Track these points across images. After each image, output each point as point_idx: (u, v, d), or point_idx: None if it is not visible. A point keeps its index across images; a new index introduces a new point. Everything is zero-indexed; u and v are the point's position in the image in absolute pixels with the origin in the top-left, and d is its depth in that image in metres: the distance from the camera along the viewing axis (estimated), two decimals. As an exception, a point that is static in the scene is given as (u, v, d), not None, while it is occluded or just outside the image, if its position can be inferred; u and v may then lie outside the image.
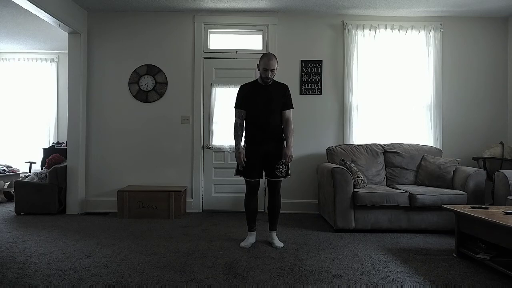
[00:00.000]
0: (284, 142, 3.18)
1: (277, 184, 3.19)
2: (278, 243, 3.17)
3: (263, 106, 3.09)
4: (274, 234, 3.25)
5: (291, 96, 3.25)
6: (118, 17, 4.75)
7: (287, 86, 3.24)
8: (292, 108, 3.24)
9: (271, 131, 3.12)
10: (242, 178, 3.20)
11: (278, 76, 4.62)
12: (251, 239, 3.22)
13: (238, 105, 3.17)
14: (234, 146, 4.72)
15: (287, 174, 3.16)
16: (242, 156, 3.08)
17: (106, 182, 4.72)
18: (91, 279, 2.38)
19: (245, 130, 3.21)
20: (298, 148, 4.72)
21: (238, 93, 3.20)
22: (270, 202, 3.25)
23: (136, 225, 3.91)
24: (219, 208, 4.74)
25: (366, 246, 3.23)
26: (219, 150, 4.74)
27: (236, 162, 3.17)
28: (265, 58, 3.04)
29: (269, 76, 3.05)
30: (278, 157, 3.11)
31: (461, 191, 3.72)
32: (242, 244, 3.16)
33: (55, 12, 4.02)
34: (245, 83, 3.27)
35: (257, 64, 3.14)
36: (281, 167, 3.10)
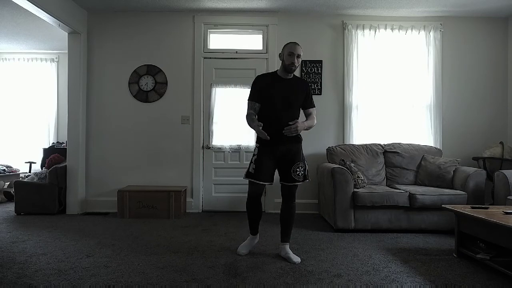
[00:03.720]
0: (301, 143, 2.88)
1: (293, 189, 2.85)
2: (295, 258, 2.78)
3: (281, 100, 2.76)
4: (287, 247, 2.88)
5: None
6: (118, 17, 4.75)
7: (308, 82, 2.90)
8: (314, 106, 2.95)
9: None
10: (242, 178, 2.93)
11: (278, 76, 4.63)
12: (252, 241, 3.01)
13: (252, 97, 2.84)
14: (234, 146, 4.75)
15: (305, 178, 2.84)
16: (260, 129, 2.66)
17: (106, 182, 4.72)
18: (91, 279, 2.38)
19: None
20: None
21: (253, 84, 2.86)
22: (284, 209, 2.90)
23: (136, 225, 3.91)
24: (219, 208, 4.74)
25: (366, 246, 3.23)
26: (219, 150, 4.74)
27: (248, 165, 2.88)
28: (291, 43, 2.78)
29: (295, 62, 2.72)
30: (296, 158, 2.80)
31: (461, 191, 3.72)
32: (240, 250, 2.94)
33: (55, 12, 4.02)
34: (263, 74, 2.96)
35: (279, 54, 2.84)
36: (298, 169, 2.79)
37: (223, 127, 4.71)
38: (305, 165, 2.87)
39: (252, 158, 2.88)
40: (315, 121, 2.94)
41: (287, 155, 2.81)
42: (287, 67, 2.77)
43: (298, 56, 2.75)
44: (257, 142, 2.87)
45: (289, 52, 2.74)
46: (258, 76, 2.93)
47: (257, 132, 2.72)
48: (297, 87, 2.85)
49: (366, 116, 4.69)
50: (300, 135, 2.87)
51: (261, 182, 2.80)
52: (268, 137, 2.67)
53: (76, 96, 4.60)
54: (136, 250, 3.03)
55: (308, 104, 2.92)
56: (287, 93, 2.79)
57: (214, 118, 4.70)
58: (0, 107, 6.31)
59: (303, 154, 2.90)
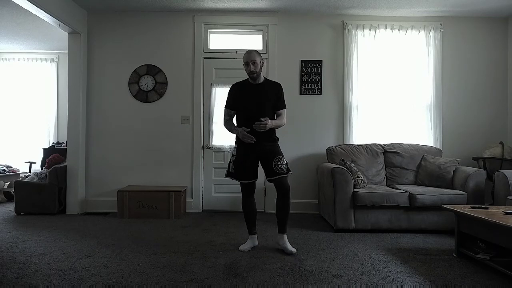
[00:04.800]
0: (277, 142, 3.06)
1: (283, 183, 2.96)
2: (291, 248, 2.93)
3: (254, 106, 2.97)
4: (285, 237, 3.01)
5: (285, 95, 3.12)
6: (118, 17, 4.75)
7: (280, 85, 3.11)
8: (285, 108, 3.11)
9: (263, 132, 2.91)
10: (224, 178, 3.10)
11: (278, 76, 4.63)
12: (251, 242, 3.09)
13: (227, 105, 3.10)
14: (234, 146, 4.75)
15: (288, 170, 2.99)
16: (245, 133, 2.89)
17: (106, 182, 4.72)
18: (91, 279, 2.38)
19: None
20: (298, 148, 4.72)
21: (228, 93, 3.11)
22: (279, 203, 3.01)
23: (136, 225, 3.91)
24: (219, 208, 4.74)
25: (366, 246, 3.23)
26: (219, 150, 4.74)
27: (228, 165, 3.09)
28: (245, 53, 3.01)
29: (252, 69, 2.93)
30: (274, 154, 2.96)
31: (461, 191, 3.72)
32: (241, 247, 3.04)
33: (55, 12, 4.02)
34: (236, 82, 3.14)
35: (243, 64, 3.03)
36: (279, 163, 2.94)
37: (223, 127, 4.69)
38: (285, 160, 3.03)
39: (231, 158, 3.10)
40: (284, 121, 3.12)
41: (266, 153, 2.99)
42: (249, 76, 3.01)
43: (253, 62, 2.94)
44: (235, 142, 3.09)
45: (244, 62, 2.98)
46: (232, 84, 3.14)
47: (242, 136, 2.93)
48: (268, 90, 3.04)
49: (366, 116, 4.69)
50: (276, 136, 3.07)
51: (242, 181, 3.02)
52: (255, 139, 2.89)
53: (76, 96, 4.60)
54: (136, 250, 3.03)
55: (279, 106, 3.08)
56: (259, 97, 3.00)
57: (214, 118, 4.70)
58: (0, 107, 6.31)
59: (281, 150, 3.06)
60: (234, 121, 3.15)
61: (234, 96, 3.06)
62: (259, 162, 3.05)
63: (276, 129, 3.08)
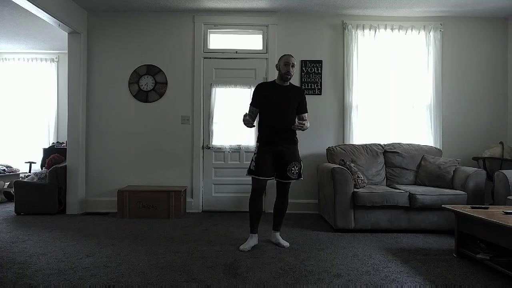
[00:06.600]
0: (297, 144, 3.21)
1: (287, 186, 3.20)
2: (285, 243, 3.19)
3: (279, 106, 3.10)
4: (278, 234, 3.27)
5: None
6: (118, 17, 4.75)
7: (303, 90, 3.31)
8: (307, 112, 3.27)
9: (285, 132, 3.10)
10: (243, 178, 3.18)
11: (278, 76, 4.63)
12: (252, 241, 3.12)
13: (252, 103, 3.21)
14: (234, 146, 4.79)
15: (299, 176, 3.16)
16: (246, 118, 3.07)
17: (106, 182, 4.72)
18: (91, 279, 2.38)
19: (259, 131, 3.20)
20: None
21: (254, 91, 3.22)
22: (278, 203, 3.25)
23: (136, 225, 3.91)
24: (219, 208, 4.73)
25: (366, 246, 3.23)
26: (219, 150, 4.74)
27: (249, 163, 3.18)
28: (285, 55, 3.15)
29: (290, 71, 3.08)
30: (291, 158, 3.11)
31: (461, 191, 3.72)
32: (242, 247, 3.05)
33: (55, 12, 4.02)
34: (263, 82, 3.32)
35: (276, 65, 3.19)
36: (293, 168, 3.11)
37: (223, 127, 4.71)
38: (300, 165, 3.19)
39: (253, 157, 3.19)
40: (309, 124, 3.25)
41: (284, 155, 3.11)
42: (283, 76, 3.12)
43: (293, 65, 3.11)
44: (257, 141, 3.19)
45: (285, 62, 3.10)
46: (259, 84, 3.28)
47: (244, 122, 3.09)
48: (292, 94, 3.19)
49: (366, 116, 4.69)
50: (296, 138, 3.21)
51: (261, 178, 3.09)
52: (255, 125, 3.18)
53: (76, 96, 4.60)
54: (136, 250, 3.03)
55: (302, 110, 3.25)
56: (284, 99, 3.14)
57: (214, 118, 4.70)
58: (0, 107, 6.30)
59: (298, 154, 3.21)
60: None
61: (261, 95, 3.17)
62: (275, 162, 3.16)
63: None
